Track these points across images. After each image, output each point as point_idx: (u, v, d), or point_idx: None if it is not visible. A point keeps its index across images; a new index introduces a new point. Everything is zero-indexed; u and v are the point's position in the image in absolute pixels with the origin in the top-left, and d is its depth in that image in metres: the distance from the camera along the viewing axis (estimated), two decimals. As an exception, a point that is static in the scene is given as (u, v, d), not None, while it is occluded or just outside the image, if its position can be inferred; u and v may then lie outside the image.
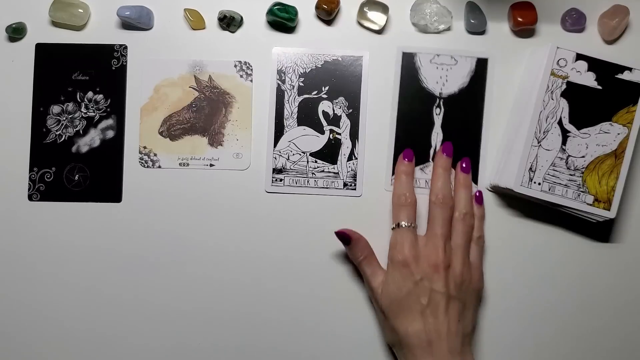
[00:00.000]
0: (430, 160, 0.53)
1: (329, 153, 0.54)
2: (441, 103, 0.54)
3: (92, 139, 0.54)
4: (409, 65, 0.54)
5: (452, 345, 0.46)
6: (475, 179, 0.53)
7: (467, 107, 0.54)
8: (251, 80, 0.54)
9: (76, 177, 0.54)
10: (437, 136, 0.54)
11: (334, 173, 0.54)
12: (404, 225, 0.49)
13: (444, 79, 0.54)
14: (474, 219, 0.51)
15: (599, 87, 0.50)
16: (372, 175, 0.54)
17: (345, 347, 0.53)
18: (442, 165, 0.52)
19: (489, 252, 0.53)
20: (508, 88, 0.54)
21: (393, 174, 0.53)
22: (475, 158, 0.54)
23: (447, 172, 0.52)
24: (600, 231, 0.54)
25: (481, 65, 0.54)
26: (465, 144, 0.54)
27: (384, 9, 0.54)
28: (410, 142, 0.54)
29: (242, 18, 0.54)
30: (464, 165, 0.52)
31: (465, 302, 0.48)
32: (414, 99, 0.54)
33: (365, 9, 0.54)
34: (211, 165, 0.54)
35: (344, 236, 0.50)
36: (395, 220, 0.50)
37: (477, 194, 0.52)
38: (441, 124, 0.54)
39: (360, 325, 0.53)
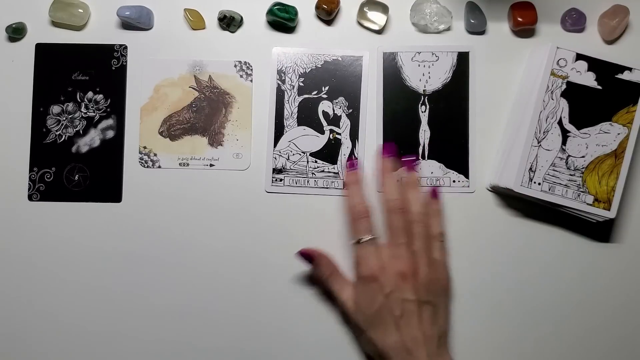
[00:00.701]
0: (420, 158, 0.54)
1: (329, 153, 0.54)
2: (426, 100, 0.54)
3: (92, 139, 0.54)
4: (390, 65, 0.54)
5: (430, 350, 0.46)
6: (465, 172, 0.53)
7: (452, 102, 0.54)
8: (251, 80, 0.54)
9: (76, 177, 0.54)
10: (424, 133, 0.54)
11: (334, 173, 0.54)
12: (365, 240, 0.48)
13: (426, 76, 0.54)
14: (428, 218, 0.50)
15: (599, 87, 0.50)
16: (373, 175, 0.54)
17: (353, 347, 0.53)
18: (386, 167, 0.51)
19: (488, 252, 0.53)
20: (504, 86, 0.54)
21: (383, 173, 0.53)
22: (464, 152, 0.54)
23: (393, 175, 0.51)
24: (600, 231, 0.53)
25: (463, 59, 0.54)
26: (453, 139, 0.54)
27: (384, 9, 0.54)
28: (398, 141, 0.53)
29: (242, 18, 0.54)
30: (407, 163, 0.52)
31: (436, 303, 0.48)
32: (398, 98, 0.54)
33: (365, 9, 0.54)
34: (211, 165, 0.54)
35: (307, 256, 0.50)
36: (354, 235, 0.49)
37: (432, 190, 0.52)
38: (427, 120, 0.54)
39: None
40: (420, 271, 0.48)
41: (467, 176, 0.54)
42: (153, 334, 0.53)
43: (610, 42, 0.54)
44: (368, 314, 0.48)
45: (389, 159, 0.52)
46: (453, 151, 0.54)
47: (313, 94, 0.54)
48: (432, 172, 0.54)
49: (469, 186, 0.53)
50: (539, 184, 0.50)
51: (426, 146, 0.54)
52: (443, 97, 0.54)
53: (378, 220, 0.51)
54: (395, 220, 0.49)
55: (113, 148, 0.54)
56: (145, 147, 0.54)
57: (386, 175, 0.51)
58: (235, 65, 0.54)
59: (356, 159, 0.53)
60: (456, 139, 0.54)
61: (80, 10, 0.54)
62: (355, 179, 0.51)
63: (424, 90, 0.54)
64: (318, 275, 0.51)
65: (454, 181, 0.54)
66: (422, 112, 0.54)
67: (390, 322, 0.47)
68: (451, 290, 0.52)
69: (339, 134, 0.54)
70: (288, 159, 0.54)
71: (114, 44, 0.55)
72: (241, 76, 0.54)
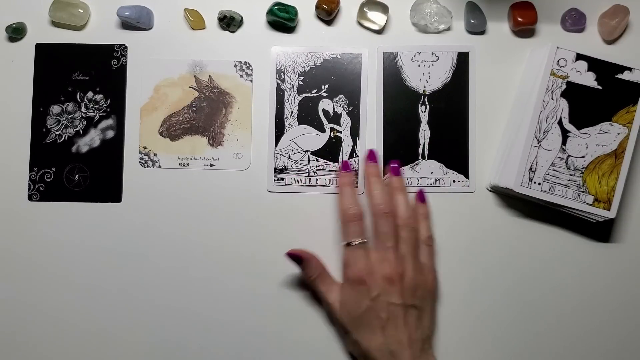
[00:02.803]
0: (420, 158, 0.54)
1: (330, 151, 0.54)
2: (426, 100, 0.54)
3: (92, 139, 0.54)
4: (390, 65, 0.54)
5: (414, 352, 0.47)
6: (465, 172, 0.53)
7: (452, 102, 0.54)
8: (251, 80, 0.54)
9: (76, 177, 0.54)
10: (424, 133, 0.54)
11: (336, 171, 0.54)
12: (355, 243, 0.49)
13: (426, 76, 0.54)
14: (417, 222, 0.51)
15: (599, 87, 0.50)
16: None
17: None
18: (372, 173, 0.51)
19: (488, 252, 0.53)
20: (504, 86, 0.54)
21: (384, 174, 0.53)
22: (464, 152, 0.54)
23: (379, 178, 0.51)
24: (600, 231, 0.54)
25: (463, 58, 0.54)
26: (453, 139, 0.54)
27: (384, 9, 0.54)
28: (398, 141, 0.54)
29: (242, 18, 0.54)
30: (392, 169, 0.52)
31: (422, 307, 0.49)
32: (398, 98, 0.54)
33: (365, 9, 0.54)
34: (211, 165, 0.54)
35: (295, 257, 0.50)
36: (345, 238, 0.49)
37: (419, 193, 0.52)
38: (427, 120, 0.54)
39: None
40: (407, 275, 0.48)
41: (467, 176, 0.54)
42: (153, 334, 0.53)
43: (610, 42, 0.54)
44: (354, 315, 0.48)
45: (374, 164, 0.52)
46: (453, 151, 0.54)
47: (313, 92, 0.54)
48: (432, 172, 0.54)
49: (469, 186, 0.53)
50: (539, 184, 0.50)
51: (426, 146, 0.54)
52: (443, 97, 0.54)
53: (369, 224, 0.51)
54: (382, 225, 0.49)
55: (113, 148, 0.54)
56: (145, 147, 0.54)
57: (373, 180, 0.51)
58: (235, 65, 0.54)
59: (358, 156, 0.53)
60: (456, 139, 0.54)
61: (80, 10, 0.54)
62: (349, 181, 0.52)
63: (424, 90, 0.54)
64: (306, 276, 0.51)
65: (454, 181, 0.54)
66: (422, 112, 0.54)
67: (376, 324, 0.47)
68: (437, 294, 0.52)
69: (340, 132, 0.54)
70: (289, 158, 0.54)
71: (114, 44, 0.55)
72: (241, 76, 0.54)
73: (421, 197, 0.52)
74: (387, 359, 0.46)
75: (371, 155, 0.52)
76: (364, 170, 0.53)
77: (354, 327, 0.48)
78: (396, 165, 0.52)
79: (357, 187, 0.53)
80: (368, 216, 0.50)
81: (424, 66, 0.54)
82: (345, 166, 0.53)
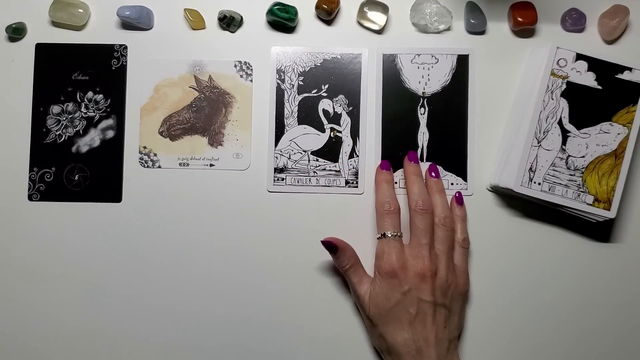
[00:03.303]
0: (419, 160, 0.53)
1: (330, 151, 0.54)
2: (425, 102, 0.54)
3: (92, 139, 0.54)
4: (390, 67, 0.54)
5: (440, 352, 0.47)
6: (464, 176, 0.53)
7: (451, 105, 0.54)
8: (251, 80, 0.54)
9: (76, 177, 0.54)
10: (423, 136, 0.54)
11: (336, 171, 0.54)
12: (389, 235, 0.49)
13: (426, 78, 0.54)
14: (454, 222, 0.51)
15: (599, 87, 0.50)
16: (374, 172, 0.54)
17: (352, 347, 0.53)
18: (413, 172, 0.52)
19: (489, 252, 0.53)
20: (504, 86, 0.54)
21: (409, 177, 0.53)
22: (462, 154, 0.54)
23: (419, 178, 0.51)
24: (600, 231, 0.54)
25: (462, 61, 0.54)
26: (451, 141, 0.54)
27: (384, 9, 0.54)
28: (397, 143, 0.54)
29: (242, 18, 0.54)
30: (432, 171, 0.52)
31: (451, 307, 0.49)
32: (397, 100, 0.54)
33: (365, 9, 0.54)
34: (211, 165, 0.54)
35: (331, 245, 0.50)
36: (380, 229, 0.50)
37: (457, 195, 0.52)
38: (426, 123, 0.54)
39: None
40: (440, 274, 0.48)
41: (465, 179, 0.54)
42: (153, 334, 0.53)
43: (610, 42, 0.54)
44: (383, 308, 0.48)
45: (416, 164, 0.52)
46: (451, 154, 0.54)
47: (313, 92, 0.54)
48: (431, 173, 0.54)
49: (467, 189, 0.53)
50: (539, 184, 0.50)
51: (425, 148, 0.54)
52: (442, 100, 0.54)
53: (405, 221, 0.51)
54: (419, 221, 0.49)
55: (113, 148, 0.54)
56: (145, 147, 0.54)
57: (412, 178, 0.51)
58: (235, 65, 0.54)
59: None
60: (455, 142, 0.54)
61: (80, 10, 0.54)
62: (387, 178, 0.52)
63: (423, 93, 0.54)
64: (339, 265, 0.51)
65: (452, 184, 0.54)
66: (421, 114, 0.54)
67: (405, 319, 0.47)
68: (468, 297, 0.52)
69: (340, 132, 0.54)
70: (289, 158, 0.54)
71: (114, 44, 0.55)
72: (241, 76, 0.54)
73: (459, 199, 0.52)
74: (412, 355, 0.46)
75: (412, 156, 0.52)
76: (405, 171, 0.53)
77: (381, 320, 0.48)
78: (434, 170, 0.52)
79: (357, 187, 0.54)
80: (405, 215, 0.50)
81: (424, 68, 0.54)
82: (385, 165, 0.53)
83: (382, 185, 0.51)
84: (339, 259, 0.50)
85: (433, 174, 0.52)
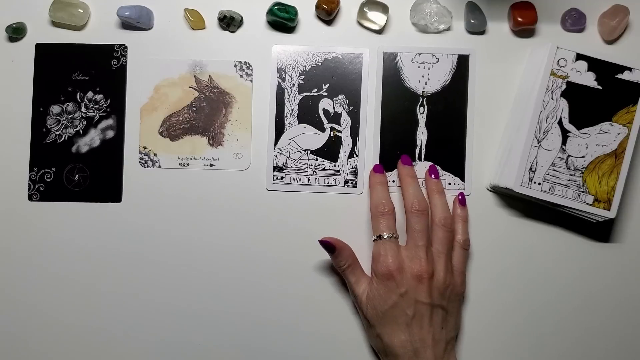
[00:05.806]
0: (417, 159, 0.54)
1: (329, 151, 0.54)
2: (424, 102, 0.54)
3: (92, 139, 0.54)
4: (390, 66, 0.54)
5: (437, 353, 0.47)
6: (462, 176, 0.53)
7: (450, 104, 0.54)
8: (251, 80, 0.54)
9: (76, 177, 0.54)
10: (422, 135, 0.54)
11: (335, 171, 0.54)
12: (385, 237, 0.49)
13: (426, 78, 0.54)
14: (453, 223, 0.51)
15: (599, 87, 0.50)
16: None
17: (350, 347, 0.53)
18: (407, 174, 0.52)
19: (489, 252, 0.53)
20: (504, 86, 0.54)
21: (405, 179, 0.53)
22: (461, 154, 0.54)
23: (414, 179, 0.51)
24: (600, 231, 0.54)
25: (463, 61, 0.54)
26: (450, 141, 0.54)
27: (384, 9, 0.54)
28: (396, 142, 0.54)
29: (242, 18, 0.54)
30: (432, 172, 0.52)
31: (449, 308, 0.49)
32: (397, 99, 0.54)
33: (365, 9, 0.54)
34: (211, 165, 0.54)
35: (329, 245, 0.50)
36: (376, 231, 0.50)
37: (460, 196, 0.52)
38: (425, 122, 0.54)
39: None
40: (437, 275, 0.48)
41: (462, 179, 0.54)
42: (154, 334, 0.53)
43: (610, 42, 0.54)
44: (380, 310, 0.48)
45: (410, 166, 0.52)
46: (450, 153, 0.54)
47: (313, 91, 0.54)
48: (431, 173, 0.54)
49: (464, 189, 0.53)
50: (539, 184, 0.50)
51: (423, 147, 0.54)
52: (442, 99, 0.54)
53: (401, 223, 0.51)
54: (415, 223, 0.49)
55: (113, 148, 0.54)
56: (145, 147, 0.54)
57: (407, 180, 0.51)
58: (235, 65, 0.54)
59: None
60: (453, 142, 0.54)
61: (80, 10, 0.54)
62: (381, 180, 0.52)
63: (422, 92, 0.54)
64: (337, 265, 0.51)
65: (449, 183, 0.54)
66: (420, 113, 0.54)
67: (402, 321, 0.47)
68: (464, 298, 0.52)
69: (340, 131, 0.54)
70: (289, 157, 0.54)
71: (114, 44, 0.55)
72: (241, 76, 0.54)
73: (461, 200, 0.52)
74: (410, 356, 0.47)
75: (405, 159, 0.52)
76: (400, 174, 0.52)
77: (379, 321, 0.48)
78: (433, 171, 0.52)
79: (356, 187, 0.54)
80: (401, 216, 0.50)
81: (424, 67, 0.54)
82: (377, 169, 0.53)
83: (376, 187, 0.51)
84: (337, 258, 0.50)
85: (433, 176, 0.52)
